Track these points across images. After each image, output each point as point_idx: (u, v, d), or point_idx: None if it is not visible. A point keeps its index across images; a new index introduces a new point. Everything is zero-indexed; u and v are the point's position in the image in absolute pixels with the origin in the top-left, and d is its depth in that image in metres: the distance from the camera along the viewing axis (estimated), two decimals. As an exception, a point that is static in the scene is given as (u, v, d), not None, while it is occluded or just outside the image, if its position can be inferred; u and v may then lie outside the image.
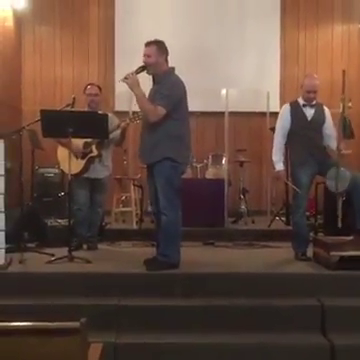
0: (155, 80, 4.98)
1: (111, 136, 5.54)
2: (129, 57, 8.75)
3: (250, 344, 4.15)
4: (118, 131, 5.64)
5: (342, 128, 5.26)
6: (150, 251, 5.32)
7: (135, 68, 4.96)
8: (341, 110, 5.27)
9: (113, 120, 5.72)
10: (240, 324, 4.30)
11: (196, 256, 5.49)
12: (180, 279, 4.69)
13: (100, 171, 5.82)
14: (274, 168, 5.52)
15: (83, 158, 5.65)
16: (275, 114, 6.09)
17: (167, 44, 8.54)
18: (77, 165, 5.57)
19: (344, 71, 5.38)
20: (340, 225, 5.27)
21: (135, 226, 7.00)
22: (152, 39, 5.07)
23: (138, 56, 8.59)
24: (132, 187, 7.32)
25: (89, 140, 5.59)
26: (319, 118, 5.45)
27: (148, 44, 5.05)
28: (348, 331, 4.18)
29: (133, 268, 4.95)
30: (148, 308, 4.39)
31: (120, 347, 4.07)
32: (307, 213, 6.70)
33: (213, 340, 4.17)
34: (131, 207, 7.25)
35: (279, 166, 5.46)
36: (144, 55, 5.00)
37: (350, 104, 5.47)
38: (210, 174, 7.66)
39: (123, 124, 5.60)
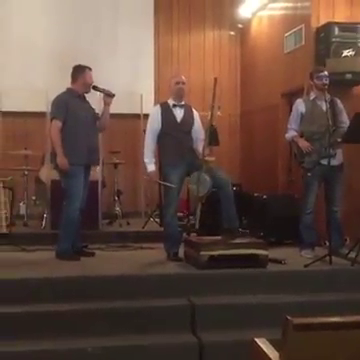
0: (84, 98, 5.69)
1: None
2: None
3: (123, 346, 4.14)
4: None
5: (209, 135, 5.41)
6: (18, 256, 5.15)
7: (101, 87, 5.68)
8: (209, 118, 5.41)
9: None
10: (113, 326, 4.28)
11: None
12: (51, 283, 4.60)
13: None
14: (146, 169, 5.57)
15: None
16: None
17: (39, 45, 8.44)
18: None
19: (216, 79, 5.48)
20: (198, 226, 5.49)
21: (5, 230, 6.74)
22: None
23: (9, 57, 8.35)
24: (2, 190, 7.04)
25: None
26: (188, 119, 5.57)
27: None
28: (216, 328, 4.29)
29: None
30: (17, 315, 4.25)
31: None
32: (180, 214, 6.85)
33: (86, 344, 4.10)
34: (0, 210, 6.98)
35: (150, 167, 5.51)
36: (91, 77, 5.62)
37: (219, 113, 5.61)
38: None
39: None
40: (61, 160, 5.38)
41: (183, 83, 5.55)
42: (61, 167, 5.41)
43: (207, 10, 9.23)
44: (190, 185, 5.48)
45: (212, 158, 5.62)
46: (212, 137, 5.46)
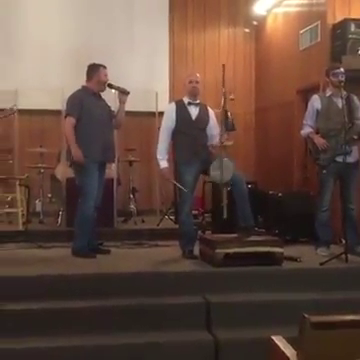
0: (99, 96, 5.70)
1: None
2: (16, 58, 8.47)
3: (138, 343, 4.14)
4: None
5: (224, 121, 5.40)
6: (34, 253, 5.17)
7: (113, 83, 5.68)
8: (222, 103, 5.41)
9: None
10: (128, 324, 4.30)
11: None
12: (67, 280, 4.62)
13: None
14: (159, 166, 5.58)
15: None
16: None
17: (55, 44, 8.48)
18: None
19: (224, 65, 5.56)
20: (225, 216, 5.37)
21: (21, 227, 6.80)
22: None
23: (25, 56, 8.39)
24: (18, 187, 7.10)
25: None
26: (203, 117, 5.58)
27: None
28: (231, 326, 4.28)
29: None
30: (33, 312, 4.28)
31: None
32: (195, 212, 6.84)
33: (102, 341, 4.12)
34: (17, 208, 7.04)
35: (163, 164, 5.52)
36: (106, 75, 5.63)
37: (232, 96, 5.60)
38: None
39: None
40: (75, 152, 5.37)
41: (197, 82, 5.57)
42: (76, 159, 5.40)
43: (222, 8, 9.22)
44: (212, 172, 5.40)
45: (230, 142, 5.57)
46: (227, 122, 5.43)
